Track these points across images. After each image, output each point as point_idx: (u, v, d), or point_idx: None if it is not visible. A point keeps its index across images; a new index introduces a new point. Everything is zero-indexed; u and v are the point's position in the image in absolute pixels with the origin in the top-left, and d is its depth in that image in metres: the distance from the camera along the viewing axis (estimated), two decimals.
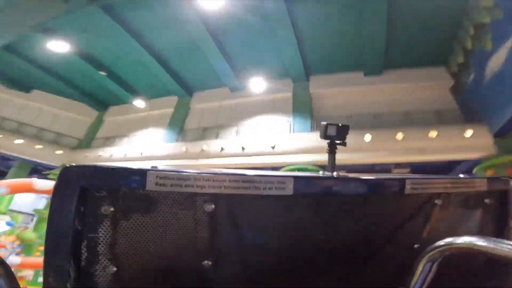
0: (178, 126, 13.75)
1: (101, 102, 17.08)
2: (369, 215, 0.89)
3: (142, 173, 0.66)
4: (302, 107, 11.81)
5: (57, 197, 0.63)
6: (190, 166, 12.78)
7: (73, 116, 16.88)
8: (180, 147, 12.25)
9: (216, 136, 12.37)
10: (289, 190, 0.74)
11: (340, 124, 1.06)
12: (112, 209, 0.66)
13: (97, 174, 0.64)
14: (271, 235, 0.81)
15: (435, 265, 0.70)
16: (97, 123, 17.03)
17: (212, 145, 11.63)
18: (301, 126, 11.21)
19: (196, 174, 0.69)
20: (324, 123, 1.06)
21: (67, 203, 0.62)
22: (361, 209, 0.87)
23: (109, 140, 15.56)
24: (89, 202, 0.65)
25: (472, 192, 0.95)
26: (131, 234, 0.69)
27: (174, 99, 14.94)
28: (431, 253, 0.69)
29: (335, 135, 1.06)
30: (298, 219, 0.82)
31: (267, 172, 0.79)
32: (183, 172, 0.69)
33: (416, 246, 0.93)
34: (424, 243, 0.86)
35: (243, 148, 10.94)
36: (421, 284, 0.69)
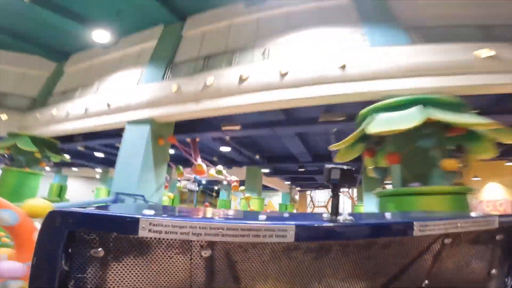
0: (165, 59, 8.69)
1: (59, 51, 12.19)
2: (375, 256, 0.85)
3: (134, 220, 0.62)
4: (381, 10, 6.71)
5: (42, 240, 0.60)
6: (188, 115, 7.01)
7: (22, 71, 12.19)
8: (169, 85, 7.36)
9: (230, 63, 7.40)
10: (290, 237, 0.71)
11: (345, 167, 1.06)
12: (102, 252, 0.63)
13: (85, 220, 0.60)
14: (271, 282, 0.77)
15: None
16: (56, 76, 12.18)
17: (223, 76, 6.75)
18: (386, 38, 6.13)
19: (191, 222, 0.65)
20: (328, 166, 1.07)
21: (53, 246, 0.59)
22: (367, 253, 0.83)
23: (68, 94, 10.71)
24: (77, 243, 0.62)
25: (483, 230, 0.92)
26: (122, 277, 0.65)
27: (157, 29, 9.88)
28: None
29: (339, 178, 1.06)
30: (299, 266, 0.78)
31: (268, 218, 0.76)
32: (177, 220, 0.65)
33: (425, 283, 0.92)
34: (434, 280, 0.91)
35: (282, 75, 6.06)
36: None
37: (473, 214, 0.99)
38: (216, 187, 25.55)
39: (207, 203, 17.45)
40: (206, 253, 0.69)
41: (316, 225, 0.78)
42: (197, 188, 19.67)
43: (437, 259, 0.91)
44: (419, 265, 0.90)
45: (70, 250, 0.62)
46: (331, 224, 0.81)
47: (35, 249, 0.61)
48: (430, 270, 0.92)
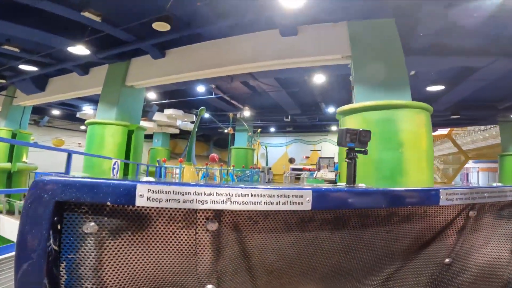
0: None
1: None
2: (395, 229, 0.81)
3: (131, 187, 0.55)
4: None
5: (28, 213, 0.53)
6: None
7: None
8: None
9: None
10: (307, 205, 0.65)
11: (361, 130, 0.97)
12: (96, 227, 0.58)
13: (75, 190, 0.53)
14: (283, 255, 0.72)
15: None
16: None
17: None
18: None
19: (195, 187, 0.58)
20: (342, 128, 0.98)
21: (40, 220, 0.53)
22: (386, 224, 0.79)
23: None
24: (67, 219, 0.56)
25: (508, 202, 0.88)
26: (120, 256, 0.60)
27: None
28: None
29: (355, 142, 0.98)
30: (315, 237, 0.73)
31: (281, 187, 0.66)
32: (181, 184, 0.58)
33: (447, 260, 0.88)
34: (457, 257, 0.86)
35: None
36: None
37: (497, 184, 0.92)
38: None
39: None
40: (213, 226, 0.63)
41: (335, 190, 0.72)
42: None
43: (461, 234, 0.86)
44: (441, 241, 0.86)
45: (59, 227, 0.56)
46: (351, 189, 0.75)
47: (20, 227, 0.55)
48: (453, 246, 0.87)
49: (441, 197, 0.77)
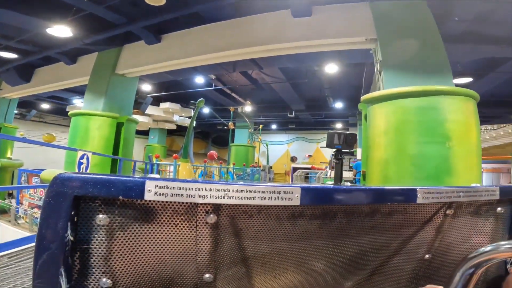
0: None
1: None
2: (378, 225, 0.86)
3: (140, 183, 0.61)
4: None
5: (49, 206, 0.58)
6: None
7: None
8: None
9: None
10: (296, 200, 0.70)
11: (347, 133, 1.03)
12: (107, 219, 0.62)
13: (91, 183, 0.59)
14: (275, 247, 0.78)
15: (477, 274, 0.59)
16: None
17: None
18: None
19: (197, 183, 0.65)
20: (331, 131, 1.05)
21: (60, 212, 0.57)
22: (370, 220, 0.84)
23: None
24: (82, 212, 0.61)
25: (484, 201, 0.95)
26: (127, 246, 0.65)
27: None
28: (475, 260, 0.59)
29: (342, 144, 1.04)
30: (304, 231, 0.79)
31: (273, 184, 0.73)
32: (184, 181, 0.64)
33: (427, 256, 0.93)
34: (436, 253, 0.93)
35: None
36: None
37: (474, 185, 0.96)
38: None
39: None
40: (212, 219, 0.68)
41: (321, 188, 0.77)
42: None
43: (439, 231, 0.91)
44: (421, 237, 0.90)
45: (75, 219, 0.59)
46: (336, 187, 0.81)
47: (41, 219, 0.57)
48: (433, 243, 0.92)
49: (418, 195, 0.80)
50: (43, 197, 0.63)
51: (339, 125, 17.81)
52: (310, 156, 20.93)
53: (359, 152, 5.71)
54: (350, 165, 10.61)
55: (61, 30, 6.54)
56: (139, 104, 9.12)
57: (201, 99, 7.86)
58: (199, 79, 10.82)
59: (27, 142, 4.23)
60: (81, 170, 4.43)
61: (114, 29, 7.04)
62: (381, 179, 4.15)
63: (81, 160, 4.53)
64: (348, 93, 12.65)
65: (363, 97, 4.81)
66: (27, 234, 7.18)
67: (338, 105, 13.37)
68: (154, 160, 9.41)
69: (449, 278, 0.61)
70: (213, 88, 11.27)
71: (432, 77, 4.29)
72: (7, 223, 9.34)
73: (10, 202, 10.97)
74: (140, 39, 7.66)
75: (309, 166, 20.22)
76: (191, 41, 6.92)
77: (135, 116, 8.43)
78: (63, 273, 0.58)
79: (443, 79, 4.24)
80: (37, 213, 9.74)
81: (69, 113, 7.65)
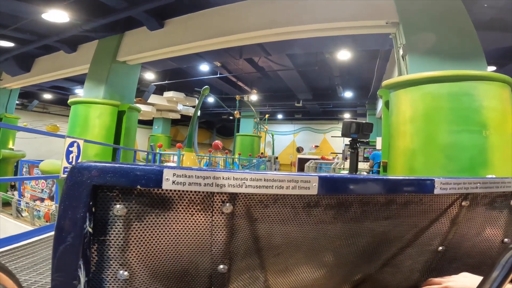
0: None
1: None
2: (393, 216, 0.84)
3: (159, 171, 0.59)
4: None
5: (67, 196, 0.56)
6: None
7: None
8: None
9: None
10: (313, 189, 0.68)
11: (364, 122, 1.02)
12: (125, 209, 0.60)
13: (110, 172, 0.57)
14: (289, 237, 0.76)
15: None
16: None
17: None
18: None
19: (215, 171, 0.63)
20: (347, 120, 1.03)
21: (79, 202, 0.56)
22: (385, 210, 0.82)
23: None
24: (101, 202, 0.59)
25: (499, 193, 0.93)
26: (144, 237, 0.63)
27: None
28: None
29: (359, 133, 1.03)
30: (318, 221, 0.77)
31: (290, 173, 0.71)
32: (202, 169, 0.62)
33: (440, 248, 0.93)
34: (449, 245, 0.92)
35: None
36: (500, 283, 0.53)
37: (490, 176, 0.97)
38: None
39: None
40: (228, 209, 0.66)
41: (339, 177, 0.75)
42: None
43: (454, 223, 0.90)
44: (435, 229, 0.89)
45: (93, 210, 0.58)
46: (354, 176, 0.78)
47: (59, 209, 0.56)
48: (446, 235, 0.91)
49: (435, 186, 0.79)
50: (63, 187, 0.57)
51: (347, 115, 17.36)
52: (317, 146, 20.56)
53: (378, 142, 5.26)
54: (365, 155, 10.16)
55: (57, 15, 6.17)
56: (142, 92, 8.76)
57: (206, 86, 7.50)
58: (204, 67, 10.43)
59: (20, 130, 3.85)
60: (70, 160, 3.95)
61: (114, 14, 6.66)
62: (406, 171, 3.80)
63: (70, 149, 3.97)
64: (358, 82, 12.20)
65: (385, 82, 4.42)
66: (29, 228, 6.93)
67: (348, 94, 12.92)
68: (157, 150, 9.11)
69: (490, 267, 0.56)
70: (218, 76, 10.87)
71: (463, 62, 3.89)
72: (9, 216, 9.18)
73: (13, 195, 10.82)
74: (142, 25, 7.27)
75: (315, 157, 19.91)
76: (195, 26, 6.51)
77: (137, 105, 8.10)
78: (81, 265, 0.57)
79: (476, 64, 3.83)
80: (39, 206, 9.59)
81: (68, 101, 7.34)
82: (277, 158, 19.85)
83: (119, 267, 0.62)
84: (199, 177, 0.61)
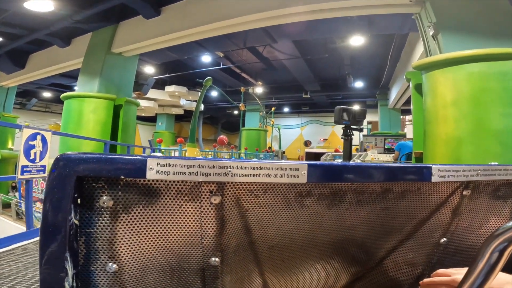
0: None
1: None
2: (390, 206, 0.80)
3: (142, 160, 0.58)
4: None
5: (51, 188, 0.56)
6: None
7: None
8: None
9: None
10: (302, 177, 0.66)
11: (356, 108, 0.98)
12: (111, 201, 0.60)
13: (94, 162, 0.56)
14: (283, 229, 0.75)
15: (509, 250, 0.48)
16: None
17: None
18: None
19: (199, 160, 0.61)
20: (338, 107, 1.01)
21: (63, 194, 0.56)
22: (381, 200, 0.79)
23: None
24: (86, 194, 0.59)
25: (503, 181, 0.88)
26: (132, 229, 0.62)
27: None
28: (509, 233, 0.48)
29: (351, 120, 1.01)
30: (312, 212, 0.74)
31: (278, 161, 0.74)
32: (186, 158, 0.60)
33: (442, 240, 0.89)
34: (452, 237, 0.88)
35: None
36: (487, 274, 0.49)
37: (492, 163, 0.87)
38: None
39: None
40: (216, 199, 0.63)
41: (329, 164, 0.71)
42: None
43: (456, 214, 0.85)
44: (436, 220, 0.85)
45: (79, 201, 0.57)
46: (345, 164, 0.75)
47: (44, 202, 0.55)
48: (448, 226, 0.87)
49: (433, 173, 0.75)
50: (47, 179, 0.54)
51: (356, 107, 16.68)
52: (325, 140, 19.93)
53: (409, 130, 4.59)
54: (386, 146, 9.42)
55: (41, 4, 5.65)
56: (141, 85, 8.25)
57: (209, 77, 6.96)
58: (206, 58, 9.86)
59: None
60: (32, 157, 3.12)
61: (107, 1, 6.13)
62: (450, 162, 3.28)
63: (32, 143, 3.07)
64: (370, 71, 11.55)
65: (416, 63, 3.90)
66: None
67: (358, 84, 12.27)
68: (157, 146, 8.61)
69: (473, 257, 0.51)
70: (221, 67, 10.29)
71: (503, 39, 3.31)
72: (9, 218, 8.86)
73: (15, 196, 10.53)
74: (138, 13, 6.76)
75: (323, 150, 19.30)
76: (194, 11, 5.95)
77: (136, 99, 7.60)
78: (68, 258, 0.56)
79: None
80: (39, 207, 9.23)
81: (61, 96, 6.86)
82: (284, 152, 19.30)
83: (107, 260, 0.62)
84: (184, 166, 0.59)
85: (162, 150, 8.75)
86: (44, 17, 6.60)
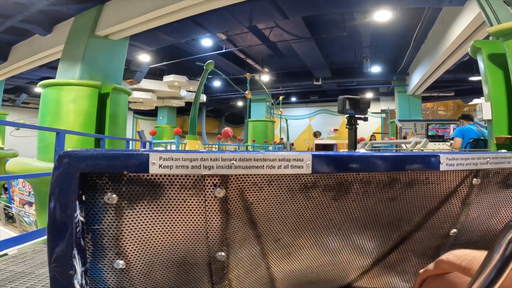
0: None
1: None
2: (398, 196, 0.78)
3: (144, 155, 0.58)
4: None
5: (55, 185, 0.55)
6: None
7: None
8: None
9: None
10: (307, 168, 0.64)
11: (360, 97, 0.92)
12: (116, 197, 0.59)
13: (96, 158, 0.56)
14: (288, 222, 0.74)
15: None
16: None
17: None
18: None
19: (201, 153, 0.61)
20: (342, 96, 0.95)
21: (67, 192, 0.55)
22: (388, 190, 0.77)
23: None
24: (90, 190, 0.59)
25: None
26: (138, 225, 0.62)
27: None
28: None
29: (355, 109, 0.92)
30: (318, 204, 0.73)
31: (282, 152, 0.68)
32: (189, 152, 0.61)
33: (452, 232, 0.86)
34: (462, 229, 0.86)
35: None
36: (503, 265, 0.43)
37: (502, 151, 0.84)
38: None
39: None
40: (220, 192, 0.62)
41: (334, 154, 0.70)
42: None
43: (465, 204, 0.83)
44: (445, 210, 0.82)
45: (84, 198, 0.57)
46: (350, 153, 0.73)
47: (49, 200, 0.55)
48: (458, 217, 0.84)
49: (441, 161, 0.72)
50: (51, 177, 0.53)
51: (369, 95, 15.53)
52: (336, 130, 18.89)
53: (485, 109, 3.52)
54: (430, 133, 8.29)
55: None
56: (133, 72, 7.30)
57: (210, 61, 5.97)
58: (207, 41, 8.83)
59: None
60: None
61: None
62: None
63: None
64: (389, 55, 10.44)
65: (495, 28, 3.06)
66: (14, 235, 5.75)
67: (375, 69, 11.16)
68: (150, 138, 7.67)
69: (491, 246, 0.46)
70: (224, 51, 9.23)
71: None
72: None
73: (7, 197, 9.86)
74: None
75: (332, 141, 18.28)
76: None
77: (128, 87, 6.64)
78: (76, 255, 0.57)
79: None
80: (27, 211, 8.45)
81: (38, 84, 5.92)
82: (292, 144, 18.31)
83: (115, 256, 0.61)
84: (186, 159, 0.59)
85: (156, 144, 7.78)
86: (16, 1, 5.66)
